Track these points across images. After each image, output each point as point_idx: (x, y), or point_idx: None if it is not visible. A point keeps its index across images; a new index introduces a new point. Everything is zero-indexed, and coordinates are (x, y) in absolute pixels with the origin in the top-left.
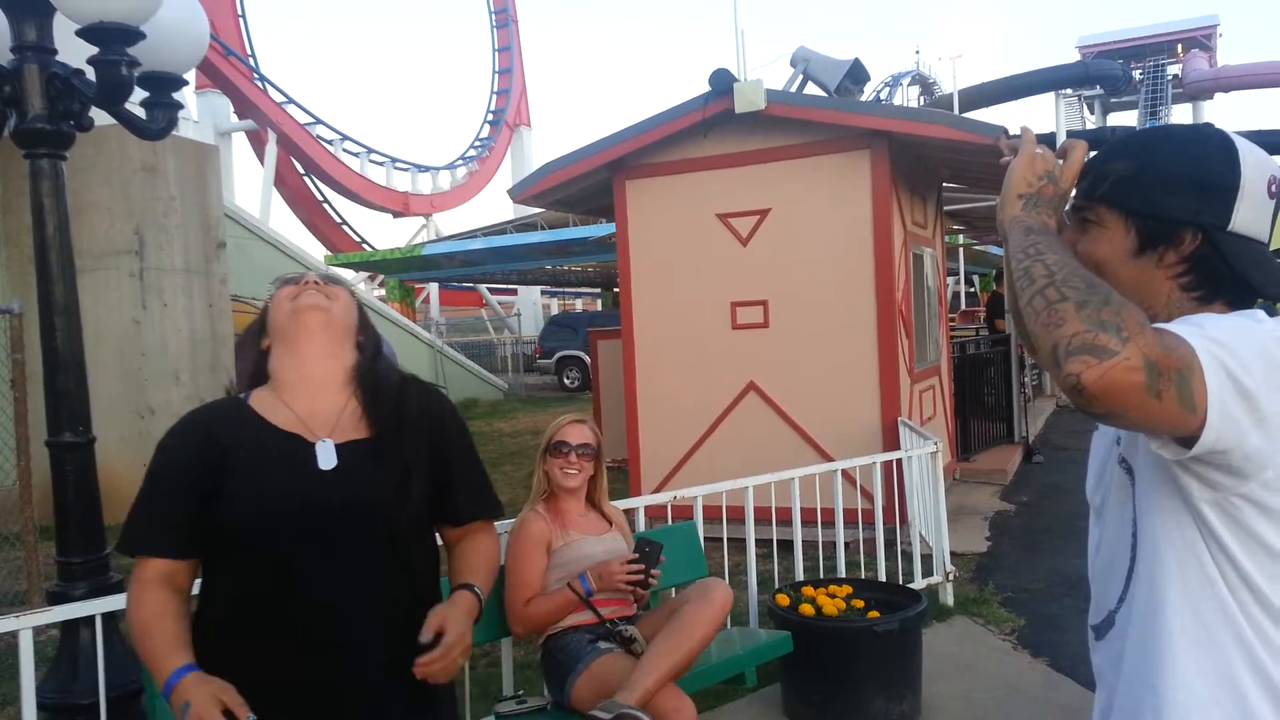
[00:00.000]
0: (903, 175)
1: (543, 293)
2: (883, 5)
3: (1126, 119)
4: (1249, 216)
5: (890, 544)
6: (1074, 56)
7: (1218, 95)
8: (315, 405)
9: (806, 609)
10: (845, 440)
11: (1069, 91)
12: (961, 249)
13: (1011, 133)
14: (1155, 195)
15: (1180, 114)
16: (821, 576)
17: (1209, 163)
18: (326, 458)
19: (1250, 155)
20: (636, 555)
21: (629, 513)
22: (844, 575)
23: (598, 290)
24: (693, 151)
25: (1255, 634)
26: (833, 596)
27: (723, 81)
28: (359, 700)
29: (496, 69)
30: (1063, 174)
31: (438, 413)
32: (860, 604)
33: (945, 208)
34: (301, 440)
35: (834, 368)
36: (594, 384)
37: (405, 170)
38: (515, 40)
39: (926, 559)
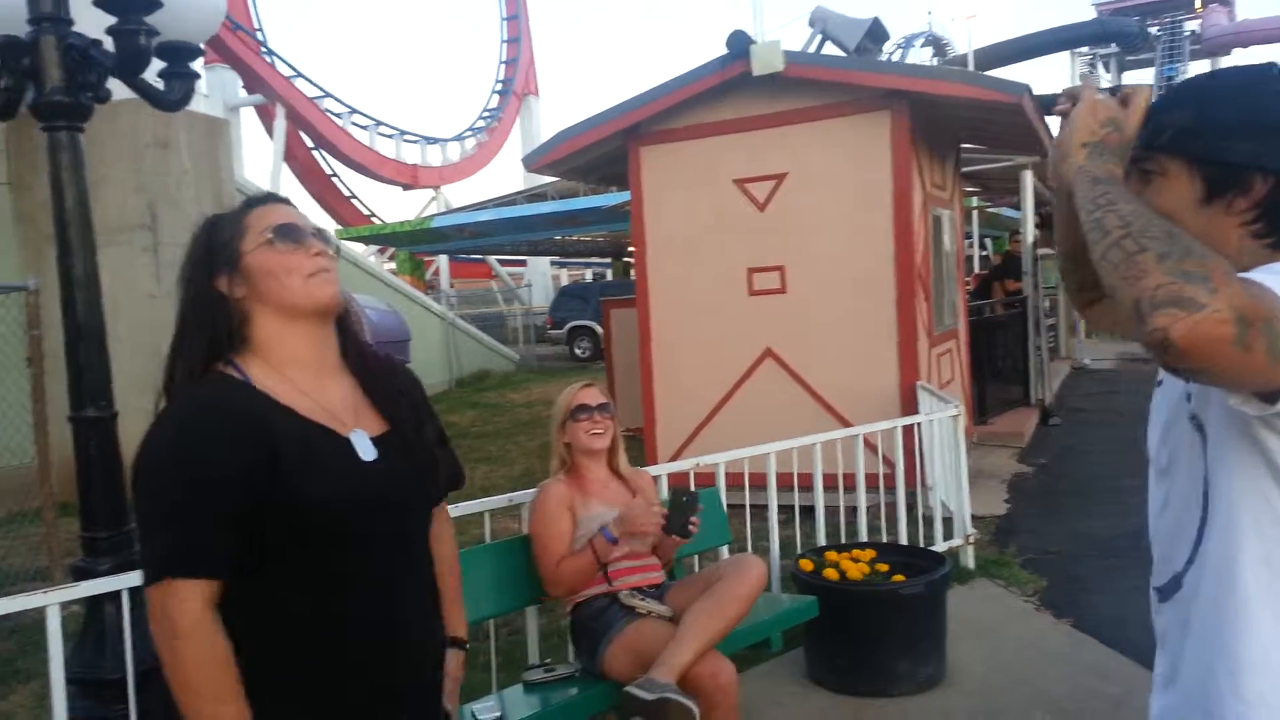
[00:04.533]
0: (922, 136)
1: (552, 263)
2: None
3: (1144, 77)
4: None
5: (910, 508)
6: (1088, 14)
7: (1236, 51)
8: (328, 392)
9: (830, 574)
10: (863, 405)
11: (1084, 50)
12: (975, 212)
13: (1065, 88)
14: (1218, 141)
15: (1198, 70)
16: (843, 541)
17: (1268, 104)
18: (365, 449)
19: None
20: (670, 502)
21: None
22: (865, 540)
23: (608, 260)
24: (709, 116)
25: None
26: (856, 561)
27: (740, 44)
28: (425, 696)
29: (505, 38)
30: (1128, 120)
31: (421, 395)
32: (885, 568)
33: (962, 169)
34: (334, 433)
35: (852, 332)
36: (607, 353)
37: (414, 142)
38: (523, 8)
39: (946, 522)
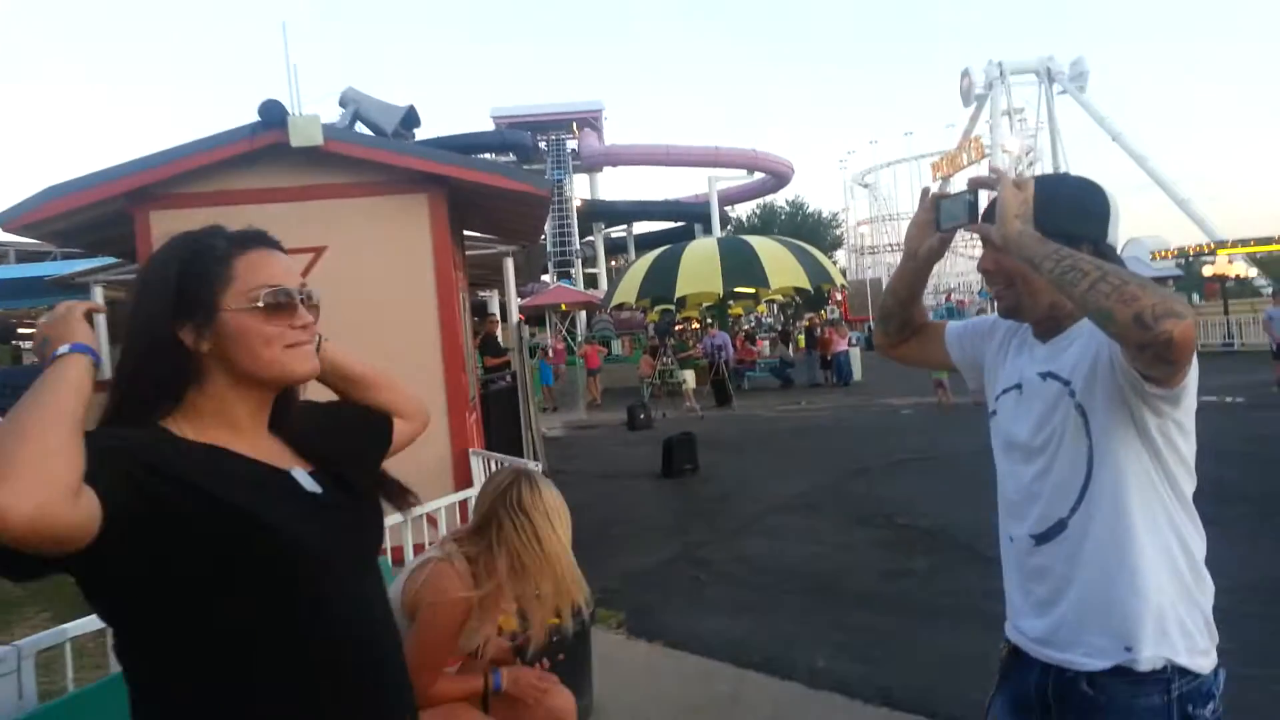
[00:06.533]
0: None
1: None
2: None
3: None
4: (1114, 235)
5: None
6: (488, 125)
7: (606, 168)
8: (258, 449)
9: None
10: (418, 476)
11: (488, 156)
12: None
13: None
14: (1063, 218)
15: (580, 181)
16: None
17: (1096, 197)
18: (309, 482)
19: (1112, 195)
20: (548, 664)
21: None
22: None
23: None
24: (236, 183)
25: (1174, 517)
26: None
27: (274, 114)
28: None
29: None
30: (1028, 200)
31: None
32: None
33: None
34: (275, 469)
35: None
36: None
37: None
38: None
39: None
